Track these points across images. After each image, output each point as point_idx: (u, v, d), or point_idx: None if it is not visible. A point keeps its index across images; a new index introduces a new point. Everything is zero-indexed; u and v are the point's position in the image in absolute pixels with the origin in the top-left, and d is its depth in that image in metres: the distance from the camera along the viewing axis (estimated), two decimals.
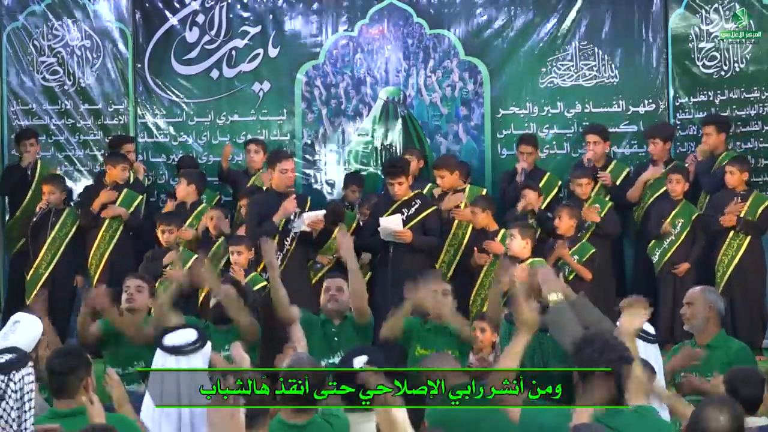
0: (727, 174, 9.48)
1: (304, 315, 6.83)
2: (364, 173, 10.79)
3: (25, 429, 4.26)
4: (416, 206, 9.38)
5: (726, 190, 9.55)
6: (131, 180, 10.23)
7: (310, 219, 9.13)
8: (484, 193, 9.92)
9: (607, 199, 9.91)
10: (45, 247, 9.95)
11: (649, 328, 5.60)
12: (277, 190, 9.25)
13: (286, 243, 9.18)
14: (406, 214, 9.31)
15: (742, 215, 9.38)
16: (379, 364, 4.69)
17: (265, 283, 9.09)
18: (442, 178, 9.86)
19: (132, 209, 10.01)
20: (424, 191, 9.95)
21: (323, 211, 9.32)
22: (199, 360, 4.90)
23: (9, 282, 10.55)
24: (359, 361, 4.70)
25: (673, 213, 9.54)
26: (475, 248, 9.46)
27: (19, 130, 10.76)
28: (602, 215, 9.69)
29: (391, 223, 9.19)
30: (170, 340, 4.86)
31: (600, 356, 4.27)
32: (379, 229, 9.22)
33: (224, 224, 9.63)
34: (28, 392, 4.29)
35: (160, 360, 4.93)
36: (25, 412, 4.27)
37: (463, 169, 10.12)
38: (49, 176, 10.19)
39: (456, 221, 9.71)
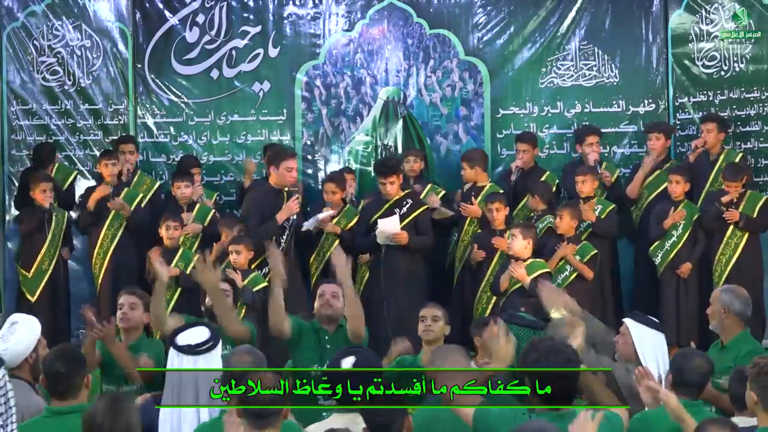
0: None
1: (297, 321, 6.65)
2: (354, 169, 10.78)
3: (11, 422, 4.26)
4: (408, 205, 9.42)
5: (722, 190, 9.62)
6: (127, 177, 10.31)
7: (324, 219, 9.30)
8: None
9: (603, 198, 9.93)
10: (46, 245, 9.98)
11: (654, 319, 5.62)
12: (276, 188, 9.26)
13: (282, 242, 9.21)
14: (398, 213, 9.33)
15: (740, 210, 9.43)
16: (368, 365, 4.67)
17: (265, 284, 9.11)
18: (464, 170, 9.96)
19: (133, 207, 10.04)
20: (425, 191, 9.98)
21: (333, 211, 9.51)
22: (214, 359, 4.88)
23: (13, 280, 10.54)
24: (347, 362, 4.67)
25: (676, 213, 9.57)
26: (475, 245, 9.48)
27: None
28: (602, 216, 9.70)
29: (389, 225, 9.19)
30: (184, 339, 4.83)
31: (546, 360, 4.29)
32: (376, 232, 9.22)
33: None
34: (9, 389, 4.28)
35: (176, 360, 4.89)
36: (11, 408, 4.26)
37: (486, 166, 10.16)
38: (43, 175, 10.18)
39: (468, 218, 9.78)
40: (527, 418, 4.28)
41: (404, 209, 9.40)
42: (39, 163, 10.50)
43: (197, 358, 4.82)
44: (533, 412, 4.30)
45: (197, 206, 10.07)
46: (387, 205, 9.39)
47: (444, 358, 5.06)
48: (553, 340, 4.44)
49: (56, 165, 10.56)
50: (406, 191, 9.52)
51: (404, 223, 9.32)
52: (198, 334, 4.89)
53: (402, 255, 9.30)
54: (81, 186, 10.79)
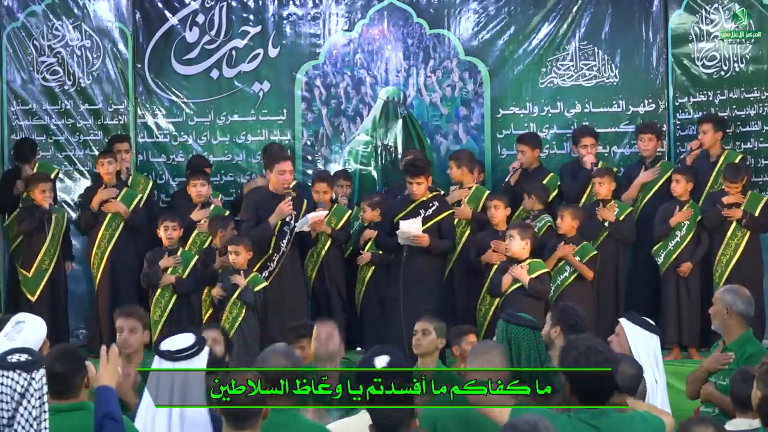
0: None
1: None
2: (350, 169, 10.77)
3: (44, 429, 4.26)
4: (434, 207, 9.30)
5: (722, 191, 9.62)
6: (126, 176, 10.31)
7: (315, 219, 9.19)
8: (487, 194, 9.90)
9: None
10: (45, 245, 10.00)
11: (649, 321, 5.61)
12: (274, 192, 9.26)
13: (282, 245, 9.21)
14: (423, 214, 9.24)
15: (742, 207, 9.43)
16: (401, 364, 4.66)
17: (265, 284, 9.12)
18: (450, 170, 9.96)
19: (132, 207, 10.04)
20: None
21: (326, 212, 9.41)
22: (197, 366, 4.86)
23: (9, 279, 10.52)
24: (381, 361, 4.65)
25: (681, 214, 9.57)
26: (491, 247, 9.41)
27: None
28: (621, 218, 9.69)
29: (411, 227, 9.10)
30: (166, 345, 4.84)
31: (586, 360, 4.29)
32: (397, 232, 9.14)
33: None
34: (45, 393, 4.28)
35: (157, 366, 4.89)
36: (45, 411, 4.26)
37: (473, 167, 10.12)
38: (43, 175, 10.17)
39: (456, 219, 9.78)
40: (566, 417, 4.27)
41: (430, 211, 9.29)
42: (21, 160, 10.46)
43: (175, 365, 4.80)
44: (569, 412, 4.29)
45: (212, 206, 10.05)
46: (412, 206, 9.30)
47: (478, 355, 5.01)
48: (591, 340, 4.44)
49: (37, 162, 10.52)
50: (434, 193, 9.43)
51: (428, 225, 9.19)
52: (182, 340, 4.88)
53: (423, 257, 9.21)
54: (79, 186, 10.81)
